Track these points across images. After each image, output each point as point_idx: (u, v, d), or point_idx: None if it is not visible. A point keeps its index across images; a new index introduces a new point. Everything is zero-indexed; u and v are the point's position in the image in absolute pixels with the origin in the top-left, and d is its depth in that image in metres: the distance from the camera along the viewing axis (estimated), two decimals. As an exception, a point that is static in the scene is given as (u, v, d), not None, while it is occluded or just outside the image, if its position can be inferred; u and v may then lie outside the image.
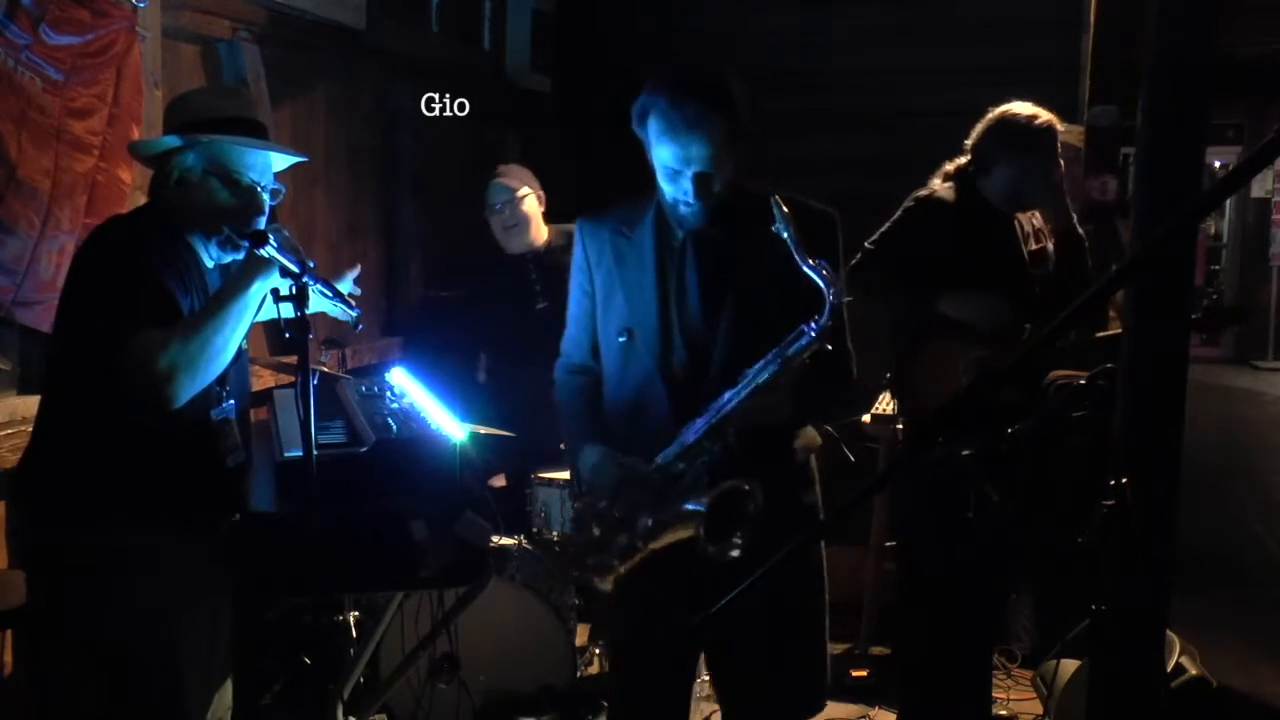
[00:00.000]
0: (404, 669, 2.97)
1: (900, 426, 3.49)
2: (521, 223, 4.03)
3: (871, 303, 3.16)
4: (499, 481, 3.89)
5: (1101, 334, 3.18)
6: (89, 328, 2.21)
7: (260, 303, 2.28)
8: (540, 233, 4.09)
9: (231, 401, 2.40)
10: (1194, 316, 3.12)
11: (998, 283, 3.14)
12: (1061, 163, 3.23)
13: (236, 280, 2.26)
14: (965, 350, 3.13)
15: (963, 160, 3.27)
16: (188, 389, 2.17)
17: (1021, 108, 3.21)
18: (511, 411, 3.71)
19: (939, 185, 3.28)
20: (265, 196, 2.35)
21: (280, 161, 2.43)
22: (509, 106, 5.64)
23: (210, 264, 2.38)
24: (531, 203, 4.06)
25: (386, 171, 4.64)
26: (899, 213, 3.25)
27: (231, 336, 2.23)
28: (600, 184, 4.12)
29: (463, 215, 5.22)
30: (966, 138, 3.27)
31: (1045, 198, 3.24)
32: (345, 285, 2.53)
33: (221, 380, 2.31)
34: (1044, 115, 3.20)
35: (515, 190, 4.03)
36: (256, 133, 2.37)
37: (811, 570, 2.39)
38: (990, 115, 3.23)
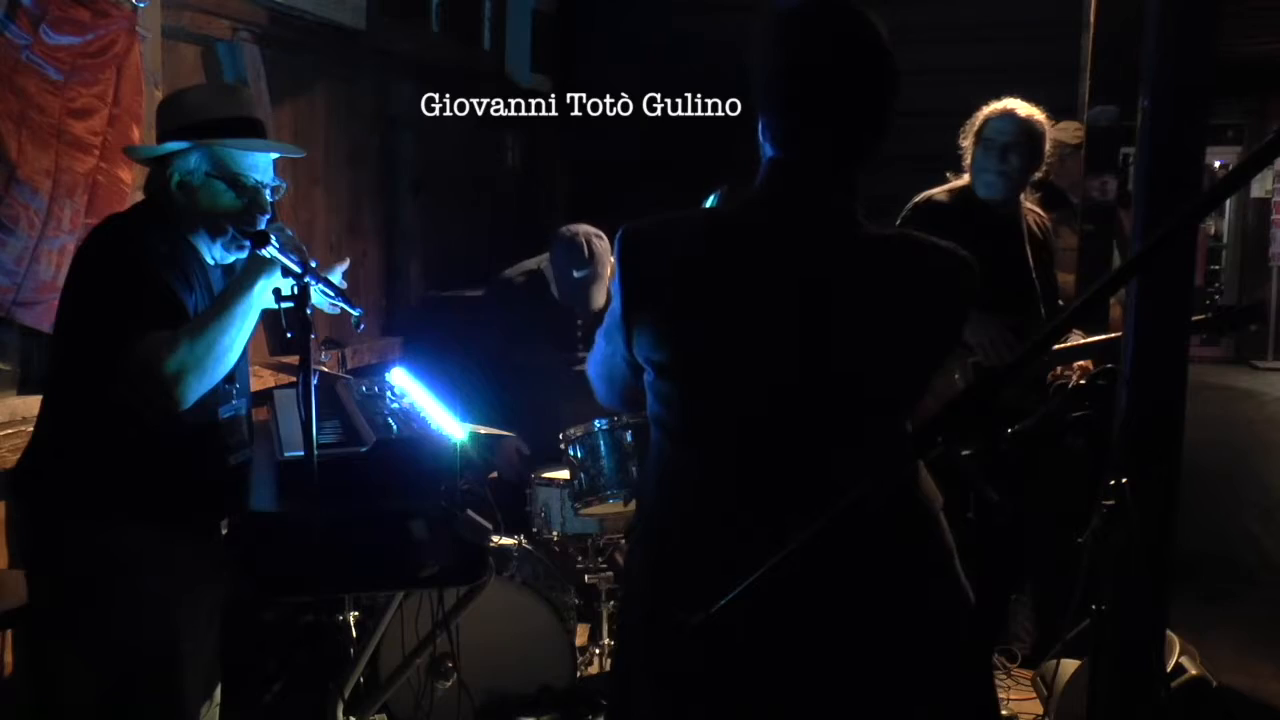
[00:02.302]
0: (404, 669, 2.97)
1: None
2: (600, 288, 3.85)
3: None
4: (493, 475, 3.89)
5: (1090, 339, 3.19)
6: (93, 329, 2.20)
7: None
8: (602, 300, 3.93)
9: (241, 399, 2.40)
10: (1203, 318, 3.15)
11: (995, 279, 3.18)
12: (1015, 154, 3.23)
13: (239, 281, 2.26)
14: (960, 353, 3.20)
15: None
16: (195, 390, 2.17)
17: (997, 102, 3.27)
18: (512, 411, 3.71)
19: (940, 188, 3.35)
20: (268, 195, 2.35)
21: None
22: (509, 106, 5.64)
23: (212, 262, 2.38)
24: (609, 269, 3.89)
25: (386, 171, 4.64)
26: (900, 220, 3.30)
27: (237, 336, 2.23)
28: (600, 184, 4.14)
29: (463, 215, 5.24)
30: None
31: (992, 187, 3.27)
32: (334, 277, 2.52)
33: (230, 378, 2.31)
34: (1003, 107, 3.24)
35: (608, 259, 3.81)
36: (256, 131, 2.37)
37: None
38: None
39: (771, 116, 1.73)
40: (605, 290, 3.85)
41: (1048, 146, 3.32)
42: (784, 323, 1.69)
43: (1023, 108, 3.26)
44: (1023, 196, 3.38)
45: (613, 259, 3.89)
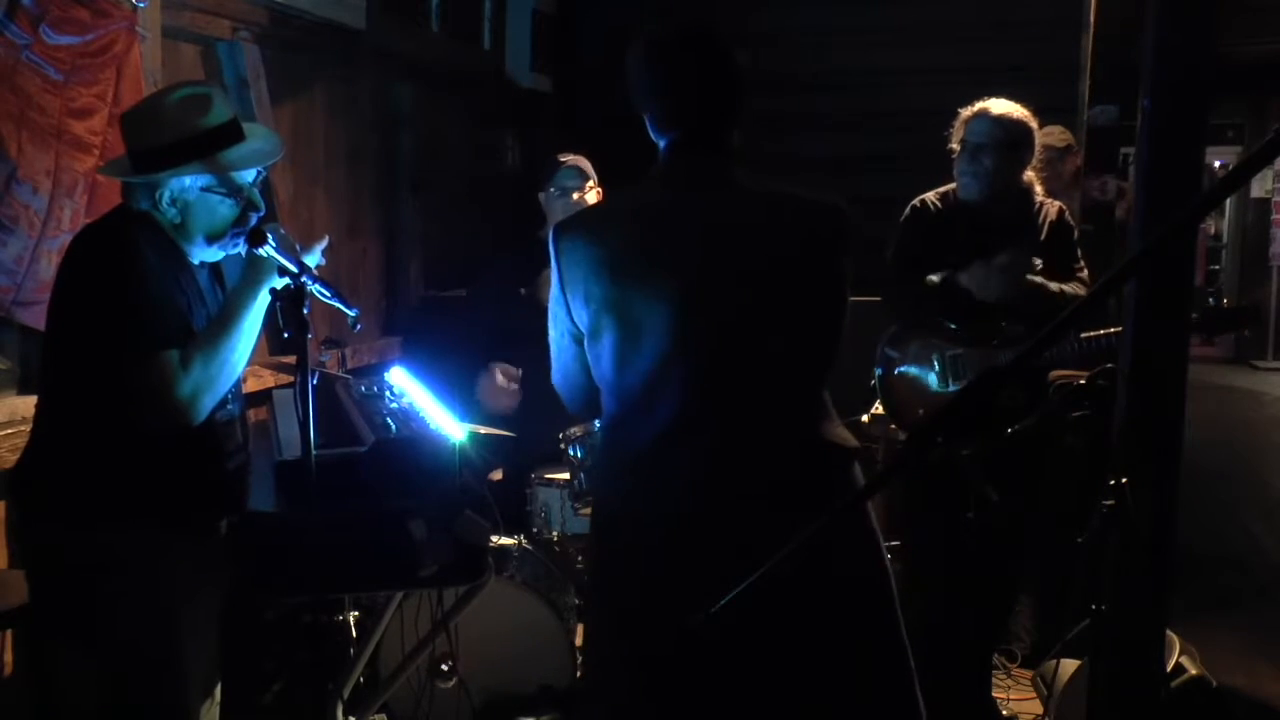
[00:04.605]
0: (404, 669, 2.97)
1: (893, 426, 3.52)
2: (590, 196, 3.99)
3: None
4: (495, 475, 3.89)
5: (1094, 334, 3.17)
6: (94, 345, 2.19)
7: None
8: None
9: (236, 403, 2.40)
10: (1194, 318, 3.13)
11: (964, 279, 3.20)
12: (987, 155, 3.23)
13: (243, 292, 2.25)
14: (941, 349, 3.21)
15: None
16: (209, 406, 2.20)
17: (979, 102, 3.27)
18: (512, 411, 3.71)
19: (933, 191, 3.37)
20: (257, 194, 2.34)
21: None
22: (509, 106, 5.64)
23: (197, 262, 2.36)
24: (595, 195, 4.06)
25: (386, 171, 4.64)
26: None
27: (247, 348, 2.25)
28: (599, 184, 4.13)
29: (463, 215, 5.24)
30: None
31: (968, 189, 3.27)
32: (313, 258, 2.43)
33: None
34: (979, 108, 3.25)
35: (587, 180, 4.02)
36: (238, 128, 2.32)
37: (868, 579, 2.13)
38: None
39: (653, 117, 2.14)
40: (589, 204, 4.00)
41: (1037, 145, 3.30)
42: (684, 264, 2.04)
43: (998, 107, 3.24)
44: (1039, 192, 3.36)
45: (593, 180, 4.00)
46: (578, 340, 2.14)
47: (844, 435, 2.14)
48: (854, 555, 2.09)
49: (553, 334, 2.20)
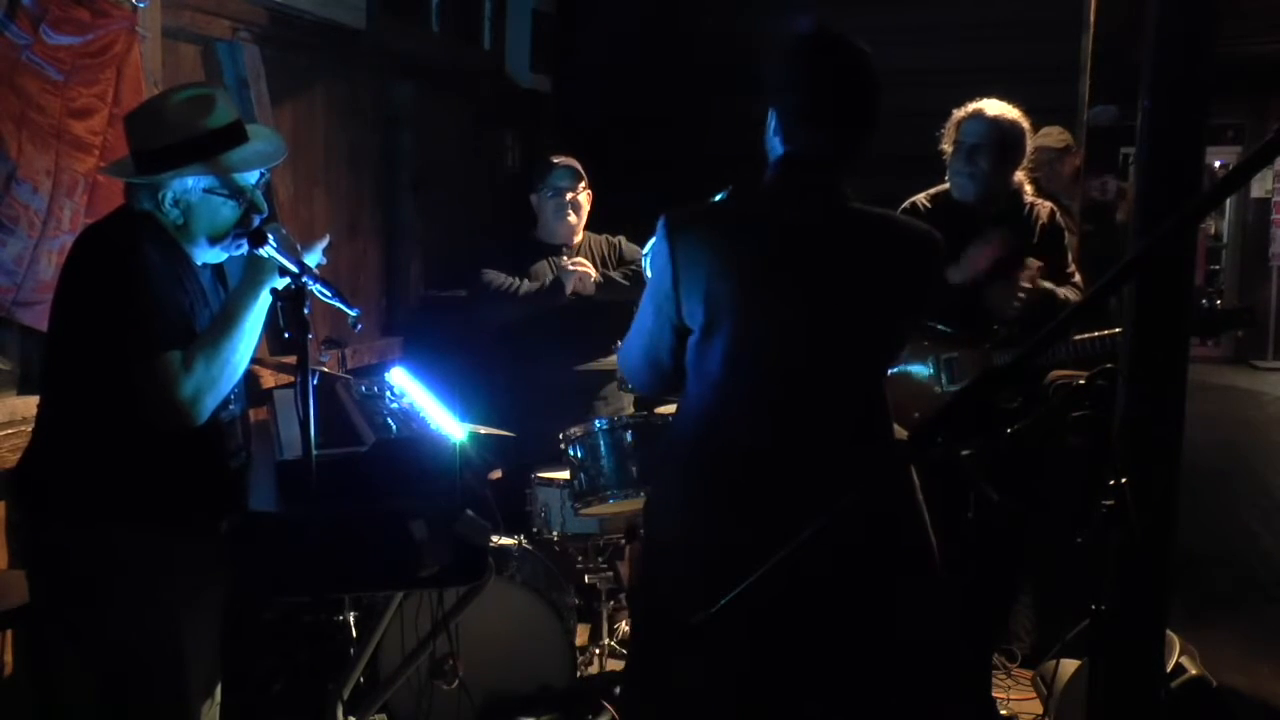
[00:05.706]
0: (404, 669, 2.97)
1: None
2: (576, 211, 4.06)
3: None
4: (495, 475, 3.89)
5: (1086, 335, 3.17)
6: (97, 347, 2.19)
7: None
8: (582, 227, 4.10)
9: (238, 404, 2.40)
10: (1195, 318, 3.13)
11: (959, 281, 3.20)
12: (982, 156, 3.22)
13: (244, 292, 2.25)
14: (937, 351, 3.23)
15: None
16: (211, 407, 2.20)
17: (972, 103, 3.26)
18: (512, 411, 3.71)
19: (924, 192, 3.37)
20: (260, 196, 2.34)
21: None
22: (509, 106, 5.64)
23: (200, 263, 2.36)
24: (586, 196, 4.08)
25: (386, 171, 4.64)
26: None
27: (249, 349, 2.25)
28: (599, 183, 4.14)
29: (463, 215, 5.23)
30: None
31: (963, 189, 3.27)
32: (314, 257, 2.43)
33: None
34: (974, 108, 3.24)
35: (580, 180, 4.06)
36: (242, 130, 2.32)
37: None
38: None
39: (784, 122, 2.14)
40: (584, 209, 4.10)
41: (1028, 147, 3.30)
42: (795, 279, 2.12)
43: (993, 107, 3.24)
44: (1028, 193, 3.35)
45: (585, 181, 4.04)
46: (679, 333, 2.18)
47: (903, 431, 2.30)
48: (909, 534, 2.23)
49: (649, 322, 2.22)
